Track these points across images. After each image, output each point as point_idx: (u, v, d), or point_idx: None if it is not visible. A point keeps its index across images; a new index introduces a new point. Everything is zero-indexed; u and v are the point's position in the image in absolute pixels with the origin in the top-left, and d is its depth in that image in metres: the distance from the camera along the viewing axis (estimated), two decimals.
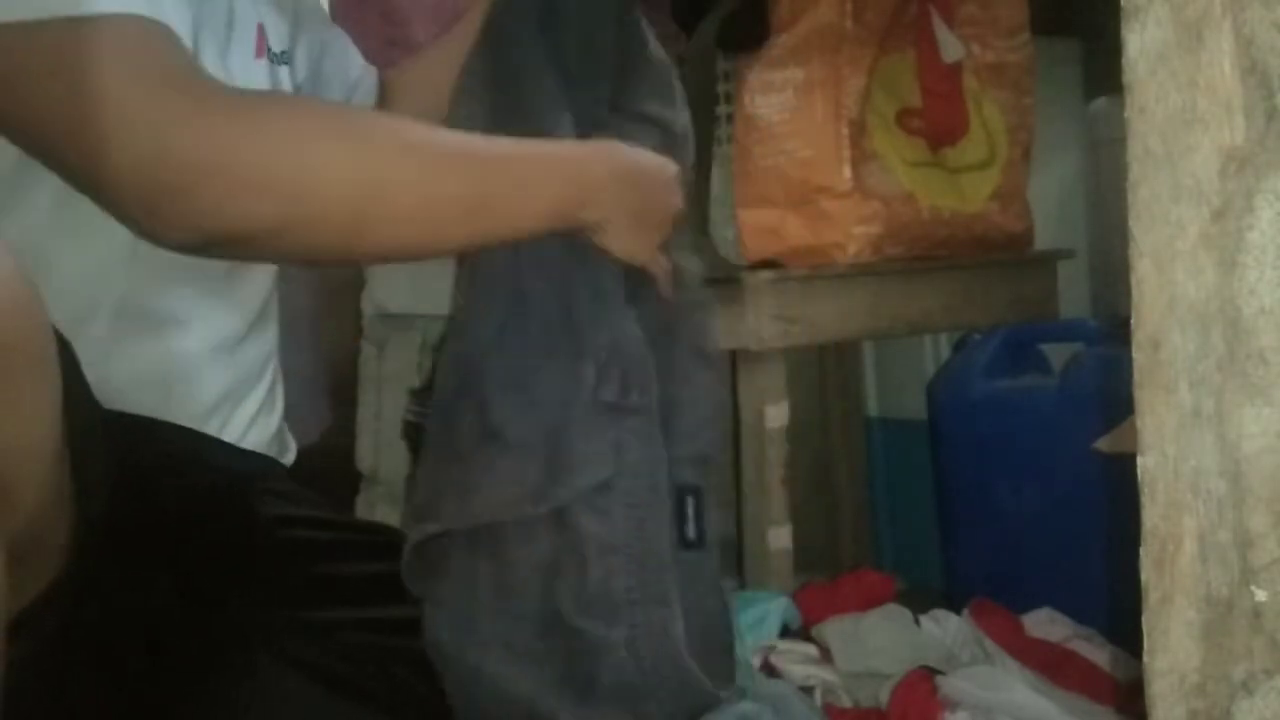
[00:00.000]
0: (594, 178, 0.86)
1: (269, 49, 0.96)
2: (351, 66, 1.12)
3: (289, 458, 1.01)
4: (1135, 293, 0.58)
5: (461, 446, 0.85)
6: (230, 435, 0.92)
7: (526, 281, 0.86)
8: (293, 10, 1.04)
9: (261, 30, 0.95)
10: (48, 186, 0.77)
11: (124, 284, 0.84)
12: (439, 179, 0.79)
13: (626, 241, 0.88)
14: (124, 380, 0.81)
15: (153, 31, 0.73)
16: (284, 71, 1.00)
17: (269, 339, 0.99)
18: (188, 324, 0.88)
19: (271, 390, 0.98)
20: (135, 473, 0.73)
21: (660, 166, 0.91)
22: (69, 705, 0.72)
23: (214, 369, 0.91)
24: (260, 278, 0.97)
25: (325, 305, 1.84)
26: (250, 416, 0.94)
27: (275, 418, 0.99)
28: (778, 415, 1.45)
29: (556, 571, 0.84)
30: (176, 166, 0.70)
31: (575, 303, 0.86)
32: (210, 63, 0.85)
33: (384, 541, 0.95)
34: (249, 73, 0.92)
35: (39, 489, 0.61)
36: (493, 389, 0.84)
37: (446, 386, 0.87)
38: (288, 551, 0.90)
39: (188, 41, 0.78)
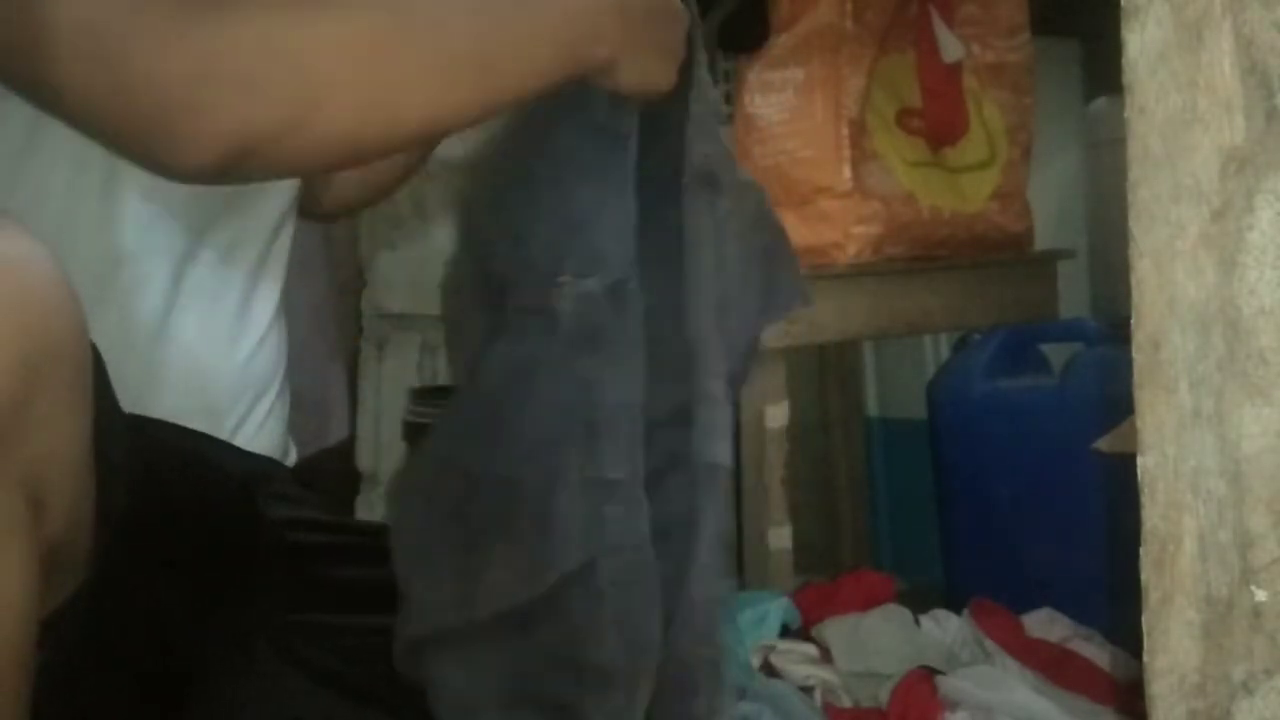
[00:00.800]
0: (598, 12, 0.81)
1: None
2: None
3: (291, 459, 1.01)
4: (1135, 293, 0.58)
5: (453, 539, 0.83)
6: (242, 438, 0.92)
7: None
8: None
9: None
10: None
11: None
12: (444, 38, 0.76)
13: (642, 72, 0.83)
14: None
15: None
16: None
17: (280, 341, 0.99)
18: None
19: (281, 393, 0.98)
20: (150, 476, 0.73)
21: None
22: (83, 708, 0.72)
23: (229, 370, 0.91)
24: (272, 279, 0.97)
25: (309, 306, 1.84)
26: (261, 420, 0.94)
27: (283, 420, 0.99)
28: (778, 415, 1.45)
29: (556, 655, 0.83)
30: (171, 83, 0.67)
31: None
32: None
33: (387, 544, 0.95)
34: None
35: (72, 493, 0.61)
36: (484, 479, 0.82)
37: (432, 485, 0.85)
38: (293, 554, 0.90)
39: None
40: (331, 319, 1.75)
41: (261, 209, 0.92)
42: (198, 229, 0.87)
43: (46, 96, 0.72)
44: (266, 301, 0.96)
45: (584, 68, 0.80)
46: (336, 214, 1.22)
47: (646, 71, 0.83)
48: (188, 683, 0.80)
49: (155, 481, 0.74)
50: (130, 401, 0.81)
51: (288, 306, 1.02)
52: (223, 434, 0.91)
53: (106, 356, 0.73)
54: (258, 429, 0.94)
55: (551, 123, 0.83)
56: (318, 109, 0.71)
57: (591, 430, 0.80)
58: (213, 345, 0.90)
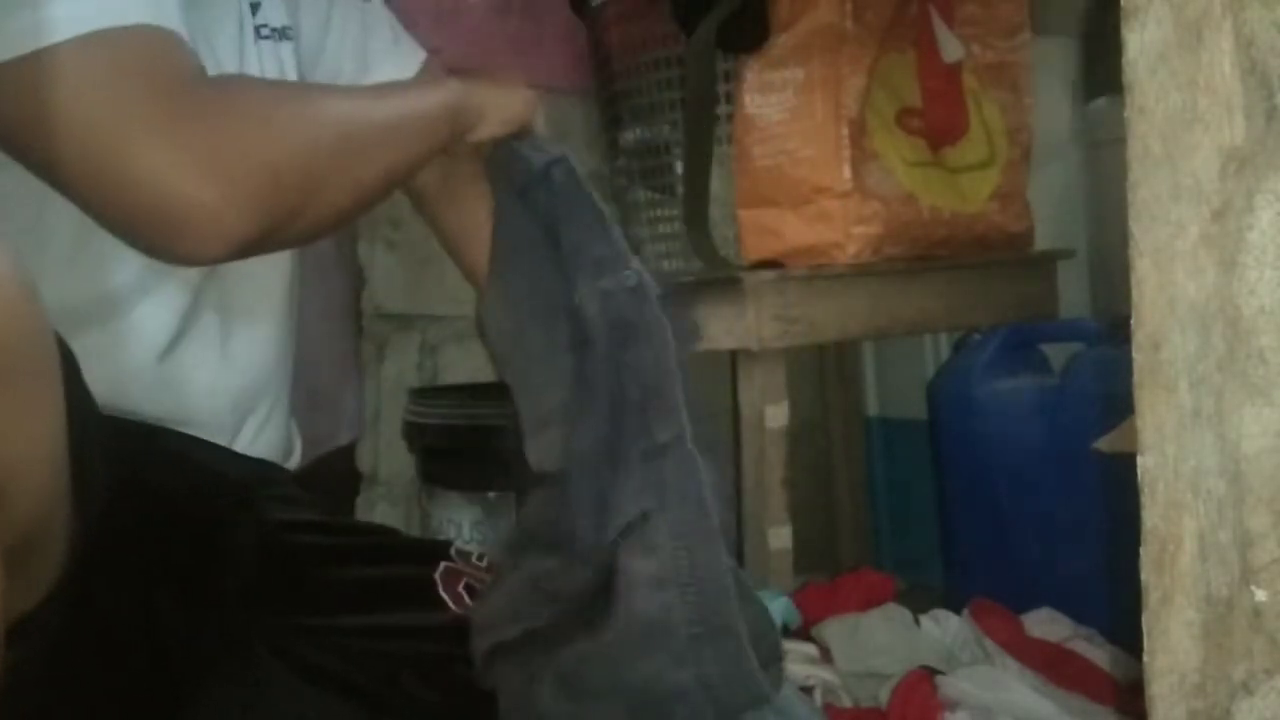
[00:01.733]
0: (451, 98, 0.95)
1: (268, 26, 0.96)
2: (374, 39, 1.12)
3: (293, 461, 1.01)
4: (1135, 293, 0.58)
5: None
6: (240, 442, 0.92)
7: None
8: None
9: (255, 8, 0.95)
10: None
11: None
12: (368, 126, 0.87)
13: (497, 113, 0.98)
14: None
15: (154, 41, 0.73)
16: (287, 48, 0.99)
17: (284, 344, 0.99)
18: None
19: (280, 399, 0.98)
20: (135, 478, 0.73)
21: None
22: (70, 710, 0.72)
23: (228, 375, 0.91)
24: (276, 288, 0.97)
25: (325, 306, 1.84)
26: (260, 424, 0.94)
27: (283, 425, 0.99)
28: (778, 415, 1.45)
29: (609, 622, 0.81)
30: (184, 181, 0.71)
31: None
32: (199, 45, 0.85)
33: (388, 545, 0.95)
34: (244, 54, 0.92)
35: (39, 496, 0.60)
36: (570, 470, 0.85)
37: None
38: (292, 556, 0.90)
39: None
40: (347, 319, 1.75)
41: None
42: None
43: (58, 180, 0.74)
44: (267, 312, 0.96)
45: (460, 128, 0.95)
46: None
47: (499, 109, 0.98)
48: (183, 685, 0.80)
49: (142, 485, 0.74)
50: (132, 408, 0.81)
51: (301, 307, 1.02)
52: (223, 440, 0.91)
53: (115, 370, 0.73)
54: (256, 434, 0.94)
55: (508, 211, 0.96)
56: (316, 196, 0.79)
57: (640, 405, 0.84)
58: (214, 356, 0.91)
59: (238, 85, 0.85)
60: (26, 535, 0.60)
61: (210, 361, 0.90)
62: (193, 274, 0.87)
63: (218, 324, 0.91)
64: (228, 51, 0.91)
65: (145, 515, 0.74)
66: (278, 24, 0.98)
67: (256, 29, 0.95)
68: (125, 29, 0.72)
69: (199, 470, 0.87)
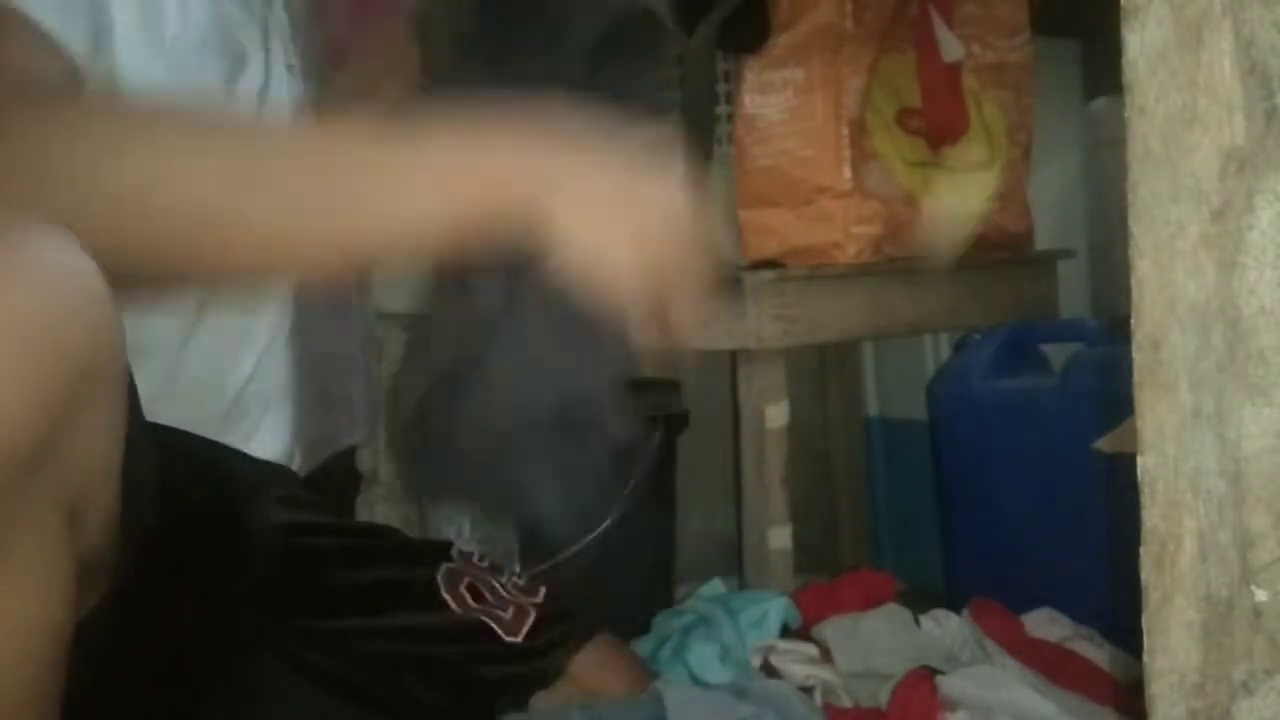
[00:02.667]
0: (514, 140, 0.59)
1: (286, 62, 0.96)
2: None
3: (297, 463, 1.02)
4: (1135, 293, 0.58)
5: None
6: (244, 443, 0.92)
7: None
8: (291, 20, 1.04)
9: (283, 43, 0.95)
10: None
11: None
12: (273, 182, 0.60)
13: (600, 234, 0.58)
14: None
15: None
16: (298, 85, 1.00)
17: (287, 353, 0.99)
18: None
19: (284, 403, 0.98)
20: (170, 486, 0.73)
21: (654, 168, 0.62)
22: (98, 714, 0.72)
23: (235, 376, 0.92)
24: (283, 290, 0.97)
25: (335, 305, 1.84)
26: (266, 428, 0.94)
27: (287, 427, 0.99)
28: (778, 415, 1.45)
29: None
30: None
31: None
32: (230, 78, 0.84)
33: (390, 546, 0.95)
34: (280, 86, 0.92)
35: (106, 508, 0.61)
36: None
37: None
38: (299, 559, 0.90)
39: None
40: (358, 318, 1.75)
41: None
42: None
43: None
44: (273, 315, 0.96)
45: (483, 221, 0.58)
46: None
47: (599, 236, 0.58)
48: (192, 686, 0.80)
49: (171, 490, 0.74)
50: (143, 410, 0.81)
51: (311, 308, 1.02)
52: (227, 440, 0.91)
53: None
54: (262, 437, 0.94)
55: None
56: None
57: None
58: (222, 360, 0.91)
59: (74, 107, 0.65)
60: (93, 547, 0.60)
61: (217, 362, 0.91)
62: None
63: (224, 326, 0.91)
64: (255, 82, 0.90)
65: (176, 523, 0.74)
66: (289, 61, 0.98)
67: (288, 67, 0.95)
68: None
69: (216, 472, 0.88)
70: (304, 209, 0.59)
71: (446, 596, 0.92)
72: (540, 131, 0.59)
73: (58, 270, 0.54)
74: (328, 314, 1.39)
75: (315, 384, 1.13)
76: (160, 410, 0.85)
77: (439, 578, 0.92)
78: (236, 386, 0.93)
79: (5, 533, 0.53)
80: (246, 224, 0.59)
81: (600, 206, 0.58)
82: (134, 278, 0.59)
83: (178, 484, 0.76)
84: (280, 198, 0.59)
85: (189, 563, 0.78)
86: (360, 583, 0.91)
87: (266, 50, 0.94)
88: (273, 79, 0.94)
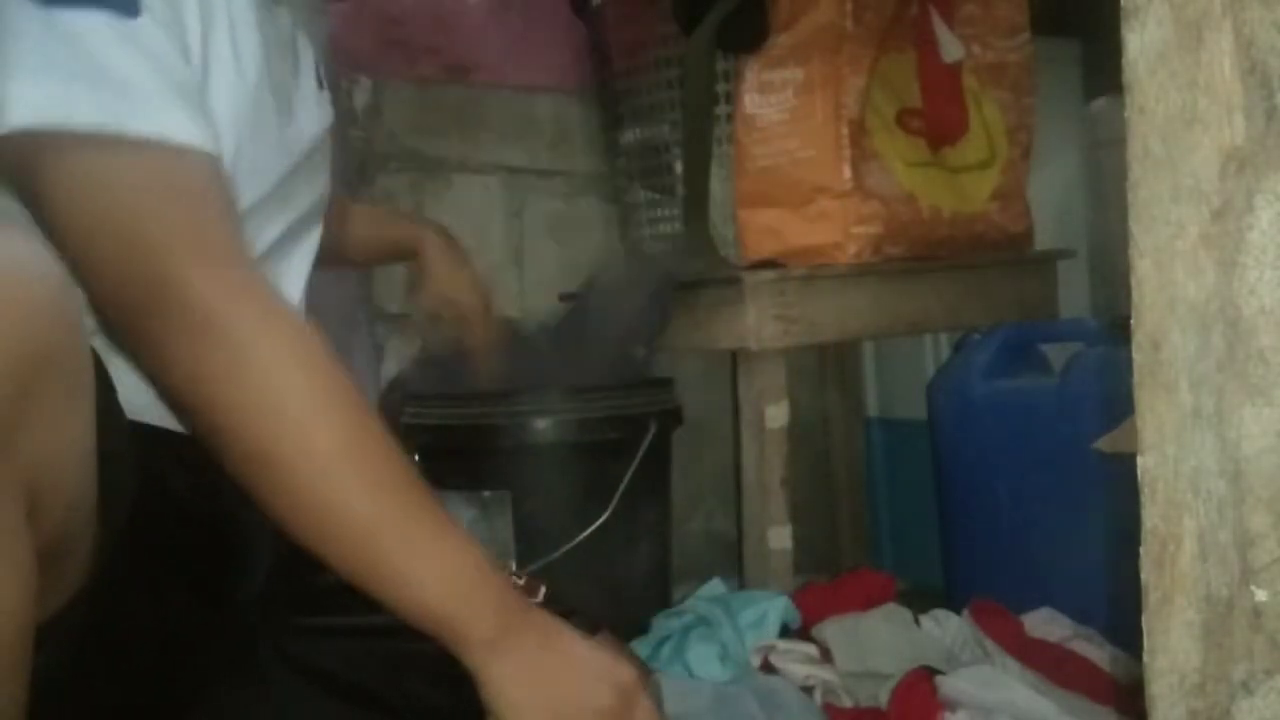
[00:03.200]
0: (507, 606, 0.74)
1: (319, 77, 0.96)
2: None
3: None
4: (1135, 293, 0.58)
5: None
6: None
7: None
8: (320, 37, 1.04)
9: (314, 63, 0.95)
10: None
11: None
12: (357, 477, 0.72)
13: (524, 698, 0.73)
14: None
15: (195, 175, 0.70)
16: (327, 96, 1.00)
17: None
18: None
19: None
20: (152, 483, 0.73)
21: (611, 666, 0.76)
22: (85, 711, 0.72)
23: None
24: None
25: (339, 305, 1.85)
26: None
27: None
28: (778, 415, 1.45)
29: None
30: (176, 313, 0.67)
31: None
32: (278, 97, 0.85)
33: None
34: (309, 104, 0.92)
35: (70, 498, 0.61)
36: None
37: None
38: (297, 557, 0.90)
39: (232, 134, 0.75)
40: (365, 318, 1.75)
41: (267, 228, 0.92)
42: None
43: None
44: None
45: (449, 643, 0.74)
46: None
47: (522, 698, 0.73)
48: (191, 686, 0.80)
49: (158, 488, 0.74)
50: (139, 412, 0.81)
51: (321, 308, 1.02)
52: None
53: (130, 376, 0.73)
54: None
55: None
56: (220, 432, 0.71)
57: None
58: None
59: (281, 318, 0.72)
60: (58, 538, 0.60)
61: None
62: None
63: None
64: (302, 102, 0.91)
65: (160, 518, 0.74)
66: (322, 74, 0.99)
67: (320, 79, 0.95)
68: (178, 149, 0.68)
69: (207, 471, 0.88)
70: (371, 551, 0.72)
71: None
72: (525, 617, 0.75)
73: (8, 259, 0.55)
74: (336, 319, 1.40)
75: None
76: (163, 411, 0.85)
77: None
78: None
79: None
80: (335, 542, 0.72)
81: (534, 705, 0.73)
82: None
83: (160, 480, 0.76)
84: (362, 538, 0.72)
85: (176, 559, 0.78)
86: None
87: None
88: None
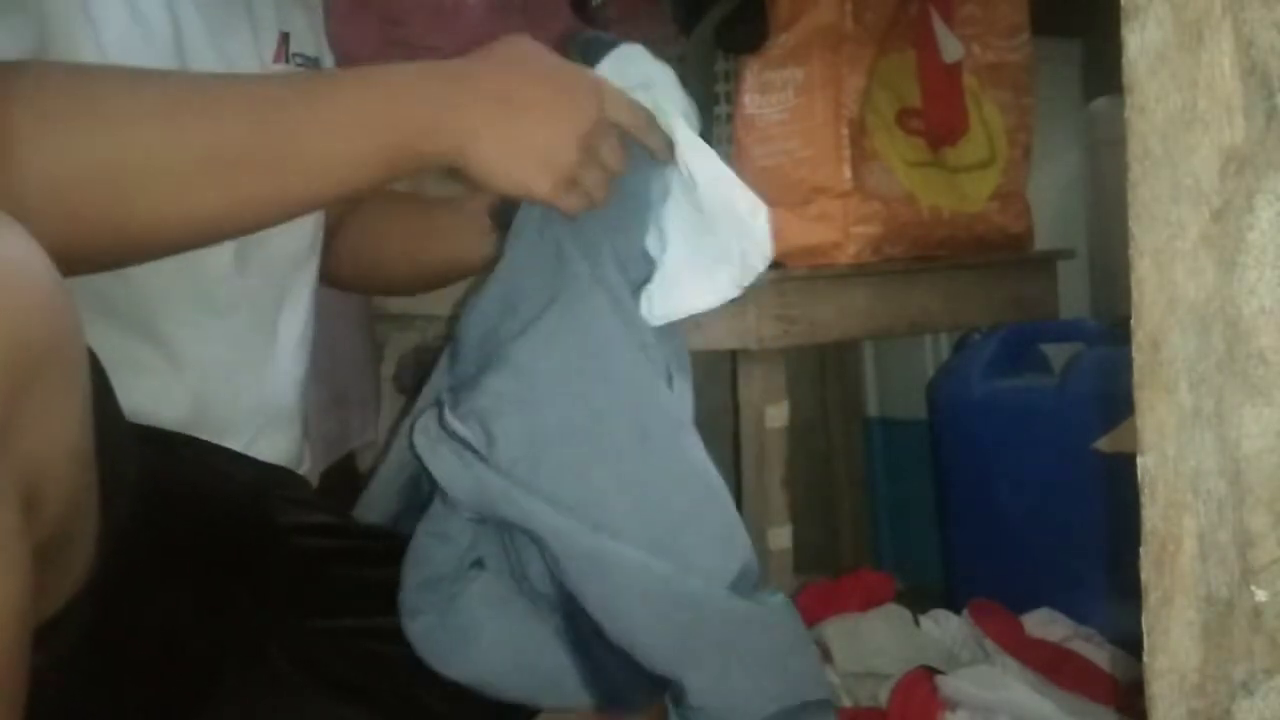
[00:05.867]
0: (437, 99, 0.72)
1: (296, 54, 0.96)
2: None
3: (305, 467, 1.02)
4: (1135, 293, 0.58)
5: None
6: (254, 448, 0.92)
7: None
8: (318, 9, 1.04)
9: (284, 37, 0.95)
10: None
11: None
12: (217, 138, 0.68)
13: (505, 172, 0.74)
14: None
15: None
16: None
17: (302, 357, 0.99)
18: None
19: (297, 403, 0.98)
20: (156, 482, 0.73)
21: (571, 71, 0.78)
22: (89, 712, 0.72)
23: (251, 385, 0.92)
24: (302, 296, 0.97)
25: (342, 305, 1.85)
26: (272, 435, 0.95)
27: (296, 434, 0.99)
28: (778, 415, 1.45)
29: None
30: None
31: None
32: (211, 61, 0.85)
33: (397, 548, 0.95)
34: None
35: (67, 495, 0.61)
36: None
37: None
38: (304, 559, 0.90)
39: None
40: (365, 319, 1.76)
41: (275, 249, 0.92)
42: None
43: None
44: (292, 328, 0.96)
45: (417, 162, 0.73)
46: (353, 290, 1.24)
47: (510, 171, 0.74)
48: (201, 689, 0.80)
49: (164, 489, 0.74)
50: (148, 415, 0.81)
51: (322, 307, 1.02)
52: (236, 445, 0.91)
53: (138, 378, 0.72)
54: (270, 440, 0.94)
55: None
56: (120, 217, 0.67)
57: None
58: (238, 369, 0.91)
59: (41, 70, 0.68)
60: (55, 535, 0.60)
61: (231, 370, 0.91)
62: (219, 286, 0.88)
63: (241, 339, 0.92)
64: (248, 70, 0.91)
65: (164, 519, 0.74)
66: (310, 53, 0.98)
67: (291, 57, 0.95)
68: None
69: (215, 475, 0.88)
70: (255, 163, 0.69)
71: None
72: (471, 81, 0.74)
73: (3, 257, 0.54)
74: (337, 315, 1.40)
75: (328, 386, 1.12)
76: (172, 413, 0.86)
77: None
78: (254, 392, 0.93)
79: None
80: (202, 187, 0.68)
81: (513, 154, 0.74)
82: (99, 253, 0.67)
83: (171, 484, 0.76)
84: (233, 154, 0.68)
85: (184, 562, 0.78)
86: (366, 583, 0.91)
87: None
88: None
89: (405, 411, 1.61)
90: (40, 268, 0.56)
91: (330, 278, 1.06)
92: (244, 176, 0.69)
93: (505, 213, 0.85)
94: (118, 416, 0.70)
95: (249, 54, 0.91)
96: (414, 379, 1.57)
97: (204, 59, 0.85)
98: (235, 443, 0.91)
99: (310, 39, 1.00)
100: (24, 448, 0.55)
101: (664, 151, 0.82)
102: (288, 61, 0.95)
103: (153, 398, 0.84)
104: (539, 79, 0.77)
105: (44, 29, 0.75)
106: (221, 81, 0.75)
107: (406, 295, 1.34)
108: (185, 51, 0.84)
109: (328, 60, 1.04)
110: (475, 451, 0.79)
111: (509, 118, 0.74)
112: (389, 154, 0.72)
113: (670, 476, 0.83)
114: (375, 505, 0.98)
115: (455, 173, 0.76)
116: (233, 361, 0.90)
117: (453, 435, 0.80)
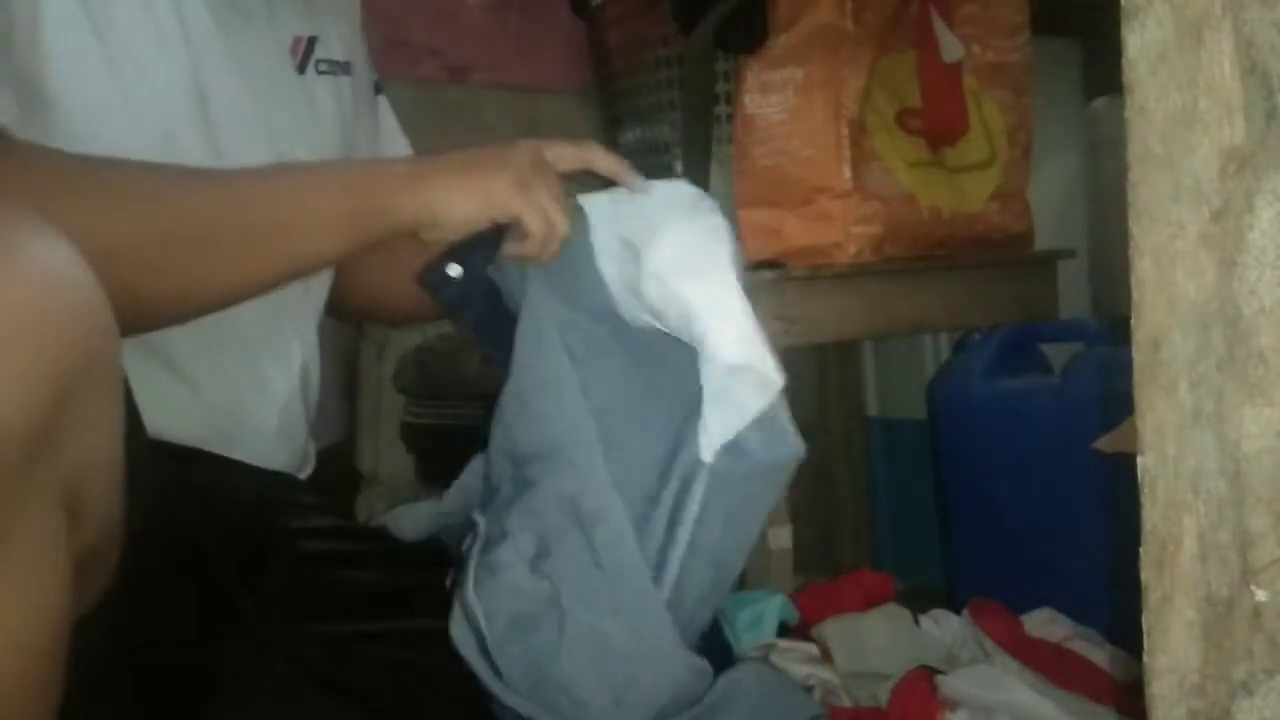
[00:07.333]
0: (408, 166, 0.84)
1: (322, 59, 0.96)
2: (386, 118, 1.12)
3: (308, 470, 1.02)
4: (1135, 293, 0.58)
5: None
6: (259, 455, 0.93)
7: None
8: (355, 16, 1.04)
9: (309, 43, 0.95)
10: None
11: None
12: (180, 218, 0.75)
13: (468, 190, 0.82)
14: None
15: None
16: (345, 83, 0.99)
17: (310, 377, 0.99)
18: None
19: (300, 411, 0.98)
20: (167, 491, 0.73)
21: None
22: (98, 713, 0.72)
23: (262, 398, 0.92)
24: (309, 310, 0.98)
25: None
26: (277, 436, 0.95)
27: (301, 436, 0.99)
28: None
29: None
30: None
31: None
32: (222, 62, 0.85)
33: (400, 551, 0.95)
34: (277, 84, 0.92)
35: (105, 506, 0.61)
36: None
37: None
38: (307, 564, 0.90)
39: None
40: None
41: None
42: None
43: None
44: (299, 354, 0.96)
45: (384, 220, 0.81)
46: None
47: (470, 194, 0.82)
48: (201, 692, 0.80)
49: (175, 498, 0.75)
50: (156, 427, 0.82)
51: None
52: (240, 453, 0.91)
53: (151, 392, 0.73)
54: (276, 454, 0.94)
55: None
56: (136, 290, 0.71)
57: None
58: (249, 393, 0.91)
59: (45, 155, 0.73)
60: (91, 545, 0.61)
61: (243, 394, 0.91)
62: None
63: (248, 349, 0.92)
64: (271, 84, 0.90)
65: (174, 527, 0.75)
66: (339, 58, 0.98)
67: (316, 63, 0.95)
68: None
69: (220, 483, 0.88)
70: (223, 237, 0.76)
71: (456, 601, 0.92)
72: (430, 158, 0.86)
73: (51, 264, 0.55)
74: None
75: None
76: (182, 425, 0.86)
77: (448, 582, 0.92)
78: (264, 402, 0.94)
79: (5, 520, 0.53)
80: (165, 265, 0.74)
81: (470, 182, 0.82)
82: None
83: (171, 489, 0.76)
84: (201, 231, 0.75)
85: (191, 567, 0.78)
86: (369, 587, 0.91)
87: None
88: None
89: (406, 412, 1.61)
90: (87, 280, 0.56)
91: (337, 309, 1.07)
92: (210, 251, 0.76)
93: (440, 275, 0.87)
94: (139, 426, 0.70)
95: (262, 55, 0.90)
96: (414, 379, 1.56)
97: (215, 59, 0.85)
98: (244, 456, 0.91)
99: (339, 45, 0.99)
100: (70, 456, 0.56)
101: (622, 176, 0.89)
102: (311, 65, 0.95)
103: (168, 418, 0.84)
104: (485, 149, 0.86)
105: (45, 30, 0.75)
106: (194, 170, 0.80)
107: (412, 323, 1.42)
108: (196, 51, 0.84)
109: (360, 67, 1.03)
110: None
111: (463, 167, 0.84)
112: (356, 218, 0.79)
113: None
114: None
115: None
116: (245, 385, 0.91)
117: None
